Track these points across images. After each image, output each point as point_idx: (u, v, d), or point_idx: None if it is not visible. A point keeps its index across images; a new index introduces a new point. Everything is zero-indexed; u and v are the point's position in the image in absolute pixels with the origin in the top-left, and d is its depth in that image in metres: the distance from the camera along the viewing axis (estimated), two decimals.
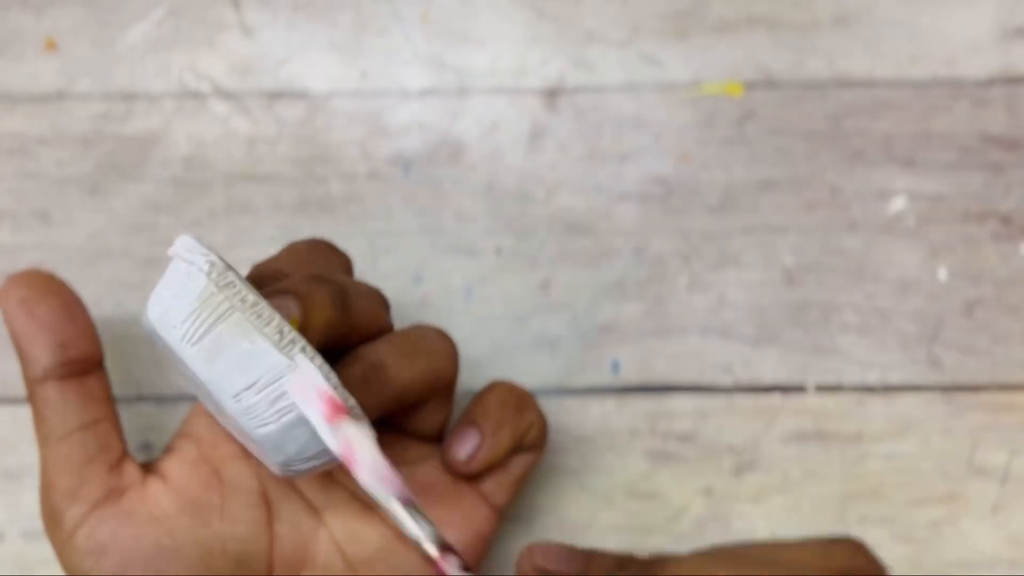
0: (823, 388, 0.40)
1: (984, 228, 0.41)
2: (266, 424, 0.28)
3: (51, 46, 0.42)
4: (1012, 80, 0.41)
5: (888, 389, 0.40)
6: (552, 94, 0.42)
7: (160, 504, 0.32)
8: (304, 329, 0.28)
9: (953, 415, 0.40)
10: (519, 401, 0.34)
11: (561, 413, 0.39)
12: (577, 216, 0.41)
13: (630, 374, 0.40)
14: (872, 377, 0.40)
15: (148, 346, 0.39)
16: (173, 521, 0.32)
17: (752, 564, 0.19)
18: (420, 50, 0.42)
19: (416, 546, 0.27)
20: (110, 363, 0.39)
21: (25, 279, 0.31)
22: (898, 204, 0.41)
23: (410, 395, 0.32)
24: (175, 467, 0.33)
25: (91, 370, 0.32)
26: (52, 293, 0.31)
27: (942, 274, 0.41)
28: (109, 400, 0.32)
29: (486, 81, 0.42)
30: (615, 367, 0.41)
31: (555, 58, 0.42)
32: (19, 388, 0.38)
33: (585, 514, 0.40)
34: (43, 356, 0.31)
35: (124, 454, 0.33)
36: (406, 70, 0.42)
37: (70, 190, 0.41)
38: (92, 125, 0.41)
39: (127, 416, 0.39)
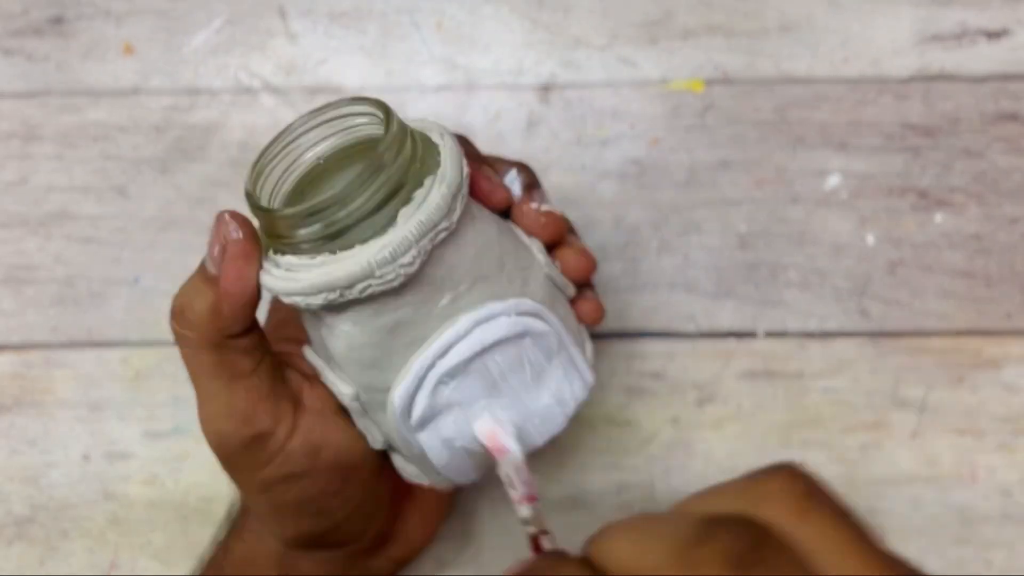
0: (771, 334, 0.42)
1: (905, 201, 0.42)
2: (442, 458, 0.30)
3: (128, 50, 0.44)
4: (928, 78, 0.42)
5: (825, 335, 0.41)
6: (545, 89, 0.43)
7: (322, 398, 0.31)
8: None
9: (879, 356, 0.41)
10: None
11: None
12: (566, 191, 0.42)
13: (610, 322, 0.41)
14: (812, 325, 0.41)
15: None
16: (337, 412, 0.31)
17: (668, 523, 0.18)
18: (435, 53, 0.43)
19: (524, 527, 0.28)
20: None
21: (241, 244, 0.27)
22: (833, 181, 0.42)
23: None
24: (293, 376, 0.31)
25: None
26: (254, 257, 0.27)
27: (870, 239, 0.42)
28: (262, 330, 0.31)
29: (490, 79, 0.43)
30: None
31: (548, 60, 0.43)
32: (103, 334, 0.42)
33: (573, 439, 0.41)
34: (245, 320, 0.28)
35: (280, 362, 0.31)
36: (423, 69, 0.43)
37: (144, 169, 0.43)
38: (163, 115, 0.43)
39: None
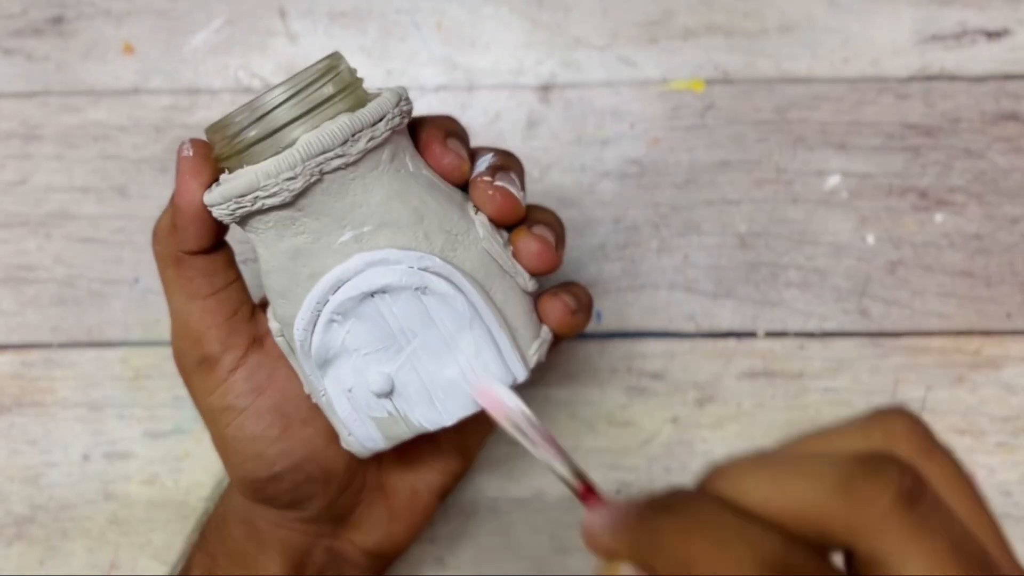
0: (771, 334, 0.42)
1: (905, 201, 0.42)
2: None
3: (128, 50, 0.43)
4: (928, 78, 0.42)
5: (825, 335, 0.42)
6: (545, 89, 0.43)
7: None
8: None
9: (879, 356, 0.41)
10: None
11: (554, 354, 0.36)
12: (566, 191, 0.42)
13: (610, 322, 0.42)
14: (811, 325, 0.42)
15: None
16: None
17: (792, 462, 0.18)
18: (435, 53, 0.43)
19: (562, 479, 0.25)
20: None
21: (188, 160, 0.29)
22: (833, 181, 0.42)
23: None
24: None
25: (224, 240, 0.32)
26: (200, 172, 0.29)
27: (870, 239, 0.42)
28: (235, 265, 0.32)
29: (490, 79, 0.43)
30: (598, 316, 0.42)
31: (548, 60, 0.43)
32: (103, 334, 0.42)
33: (574, 438, 0.41)
34: (196, 235, 0.30)
35: (255, 307, 0.33)
36: (424, 69, 0.43)
37: (144, 169, 0.43)
38: (163, 115, 0.43)
39: None
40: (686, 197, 0.42)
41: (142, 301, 0.43)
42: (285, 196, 0.28)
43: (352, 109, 0.28)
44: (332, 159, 0.28)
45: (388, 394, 0.30)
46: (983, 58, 0.43)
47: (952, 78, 0.43)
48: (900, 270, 0.42)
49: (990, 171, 0.42)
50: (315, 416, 0.32)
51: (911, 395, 0.41)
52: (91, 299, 0.43)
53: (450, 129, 0.31)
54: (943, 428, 0.41)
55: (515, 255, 0.31)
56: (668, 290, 0.42)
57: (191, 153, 0.29)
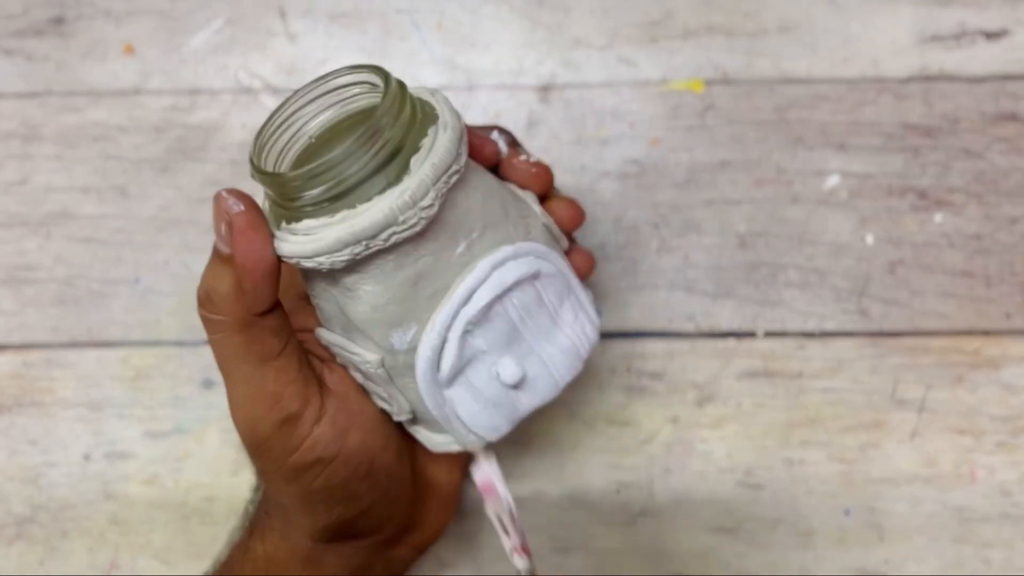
0: (770, 334, 0.41)
1: (904, 201, 0.42)
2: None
3: (129, 50, 0.43)
4: (928, 78, 0.42)
5: (824, 335, 0.41)
6: (545, 89, 0.43)
7: (343, 380, 0.31)
8: None
9: (878, 356, 0.41)
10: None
11: None
12: (566, 191, 0.41)
13: (610, 322, 0.41)
14: (811, 325, 0.41)
15: None
16: (359, 393, 0.31)
17: None
18: (435, 53, 0.43)
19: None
20: (176, 314, 0.42)
21: (244, 215, 0.26)
22: (833, 181, 0.42)
23: None
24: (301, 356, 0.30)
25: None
26: (261, 226, 0.27)
27: (869, 239, 0.42)
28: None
29: (490, 79, 0.43)
30: (598, 315, 0.43)
31: (548, 60, 0.43)
32: (103, 334, 0.42)
33: (573, 438, 0.41)
34: (269, 294, 0.28)
35: (303, 349, 0.30)
36: (424, 69, 0.43)
37: (144, 169, 0.43)
38: (163, 115, 0.43)
39: (190, 357, 0.41)
40: (686, 197, 0.42)
41: (142, 301, 0.42)
42: (422, 224, 0.26)
43: (431, 120, 0.27)
44: (453, 174, 0.27)
45: (520, 382, 0.30)
46: (982, 58, 0.42)
47: (951, 78, 0.42)
48: (900, 270, 0.42)
49: (989, 171, 0.42)
50: (390, 438, 0.31)
51: (911, 395, 0.41)
52: (91, 299, 0.42)
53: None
54: (943, 427, 0.41)
55: (555, 220, 0.33)
56: (668, 290, 0.42)
57: (243, 208, 0.26)
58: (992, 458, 0.41)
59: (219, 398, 0.42)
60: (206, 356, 0.42)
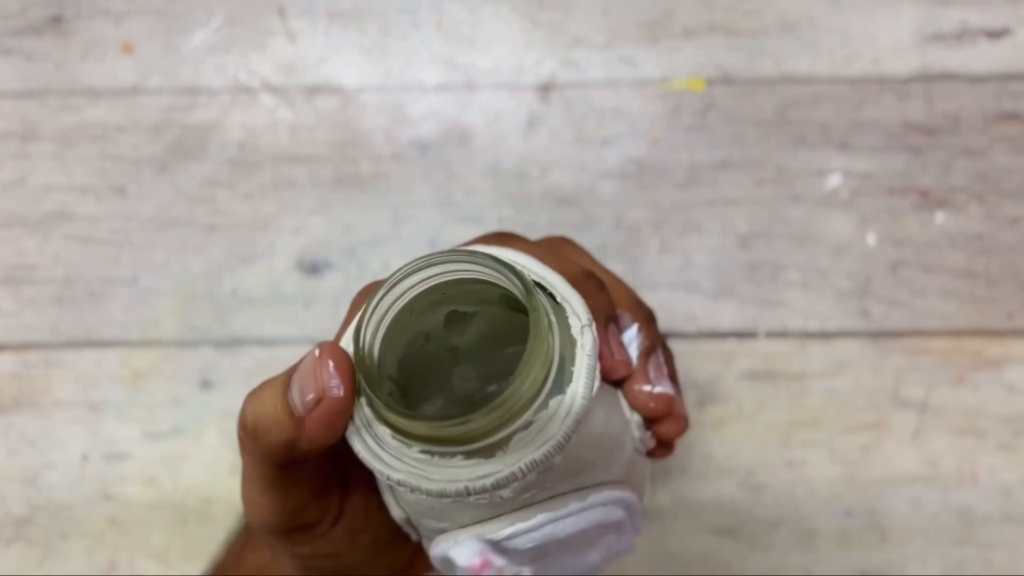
0: (772, 334, 0.41)
1: (906, 200, 0.41)
2: None
3: (127, 49, 0.43)
4: (929, 77, 0.42)
5: (826, 335, 0.41)
6: (545, 89, 0.42)
7: (369, 476, 0.28)
8: None
9: (880, 357, 0.41)
10: None
11: None
12: (567, 191, 0.42)
13: None
14: (812, 325, 0.41)
15: (207, 299, 0.43)
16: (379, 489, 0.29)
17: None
18: (435, 52, 0.43)
19: None
20: (175, 314, 0.42)
21: (340, 402, 0.23)
22: (834, 181, 0.42)
23: None
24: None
25: None
26: (348, 414, 0.24)
27: (871, 239, 0.41)
28: None
29: (490, 78, 0.42)
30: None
31: (548, 59, 0.43)
32: (102, 334, 0.41)
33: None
34: (321, 453, 0.24)
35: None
36: (423, 69, 0.43)
37: (143, 169, 0.42)
38: (161, 115, 0.42)
39: (189, 358, 0.41)
40: (687, 197, 0.42)
41: (141, 301, 0.42)
42: (491, 500, 0.23)
43: (560, 382, 0.23)
44: (551, 463, 0.23)
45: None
46: (984, 58, 0.42)
47: (953, 78, 0.42)
48: (901, 270, 0.41)
49: (991, 171, 0.42)
50: (397, 533, 0.30)
51: (912, 395, 0.41)
52: (90, 299, 0.42)
53: (605, 307, 0.26)
54: (944, 428, 0.41)
55: (655, 434, 0.28)
56: (669, 290, 0.42)
57: (342, 395, 0.23)
58: (994, 459, 0.40)
59: (218, 398, 0.41)
60: (205, 356, 0.42)
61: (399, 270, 0.23)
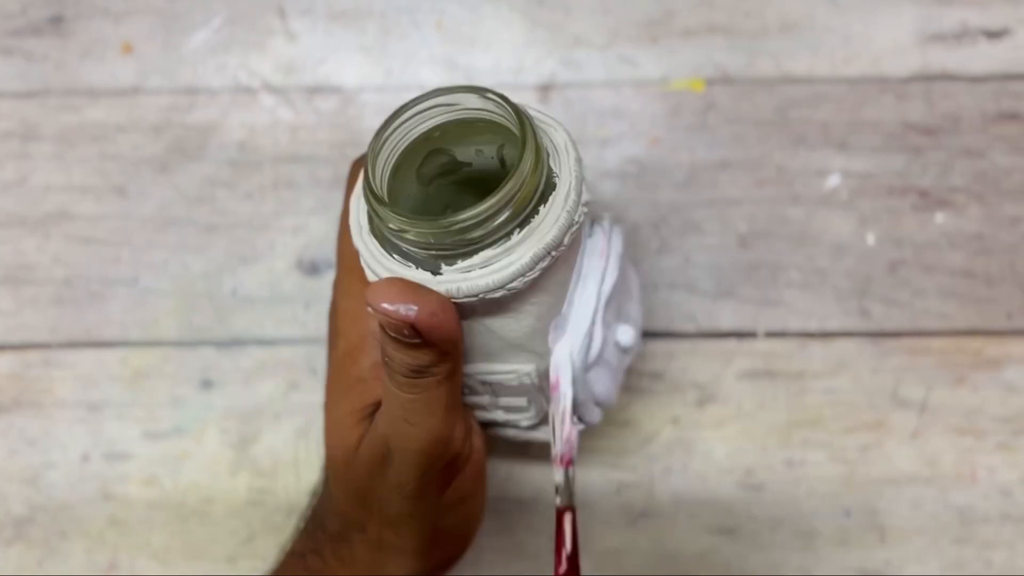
0: (771, 334, 0.41)
1: (905, 200, 0.41)
2: None
3: (127, 49, 0.43)
4: (929, 77, 0.42)
5: (825, 335, 0.41)
6: (545, 89, 0.42)
7: (474, 416, 0.32)
8: None
9: (879, 357, 0.41)
10: None
11: None
12: None
13: None
14: (812, 325, 0.41)
15: (207, 299, 0.43)
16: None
17: None
18: (435, 52, 0.43)
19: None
20: (175, 314, 0.42)
21: (435, 320, 0.26)
22: (834, 181, 0.42)
23: None
24: None
25: None
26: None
27: (870, 239, 0.41)
28: None
29: (490, 78, 0.42)
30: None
31: (548, 59, 0.42)
32: (102, 334, 0.41)
33: None
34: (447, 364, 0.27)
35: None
36: (423, 69, 0.43)
37: (143, 169, 0.42)
38: (161, 115, 0.42)
39: (190, 358, 0.41)
40: (686, 197, 0.42)
41: (141, 301, 0.42)
42: (583, 215, 0.28)
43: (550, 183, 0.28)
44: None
45: (632, 343, 0.32)
46: (984, 58, 0.42)
47: (953, 78, 0.42)
48: (901, 270, 0.41)
49: (991, 171, 0.42)
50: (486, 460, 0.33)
51: (912, 395, 0.41)
52: (90, 299, 0.42)
53: None
54: (944, 428, 0.41)
55: None
56: (668, 290, 0.42)
57: (417, 308, 0.26)
58: (993, 458, 0.40)
59: (218, 398, 0.41)
60: (205, 356, 0.42)
61: (395, 112, 0.27)
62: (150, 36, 0.43)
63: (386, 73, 0.43)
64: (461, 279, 0.26)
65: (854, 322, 0.41)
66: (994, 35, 0.42)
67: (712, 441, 0.41)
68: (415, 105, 0.28)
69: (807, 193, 0.42)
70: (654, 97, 0.42)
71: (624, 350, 0.32)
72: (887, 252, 0.41)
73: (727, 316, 0.41)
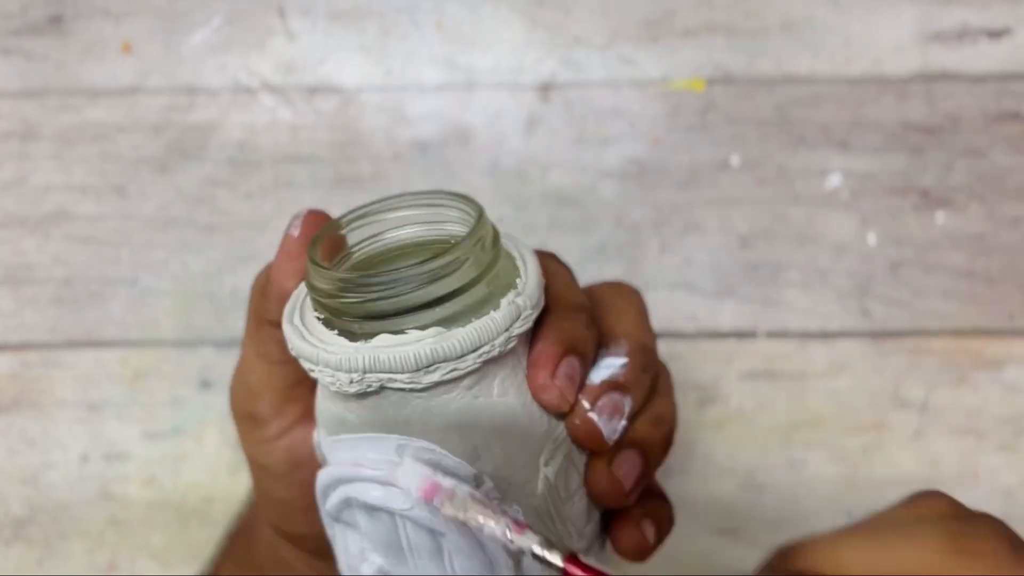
0: (772, 334, 0.41)
1: (906, 200, 0.41)
2: None
3: (127, 49, 0.43)
4: (929, 77, 0.42)
5: (826, 335, 0.41)
6: (545, 89, 0.42)
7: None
8: None
9: (880, 357, 0.41)
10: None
11: None
12: (566, 191, 0.42)
13: None
14: (813, 325, 0.41)
15: (207, 299, 0.43)
16: None
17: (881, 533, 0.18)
18: (435, 52, 0.43)
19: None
20: (175, 314, 0.42)
21: (290, 241, 0.26)
22: (834, 181, 0.42)
23: None
24: None
25: None
26: (296, 258, 0.27)
27: (871, 239, 0.41)
28: None
29: (490, 78, 0.42)
30: None
31: (548, 59, 0.42)
32: (102, 334, 0.42)
33: None
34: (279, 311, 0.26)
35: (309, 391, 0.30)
36: (423, 69, 0.42)
37: (143, 169, 0.42)
38: (161, 115, 0.42)
39: (189, 358, 0.41)
40: (687, 197, 0.42)
41: (141, 301, 0.42)
42: (503, 349, 0.23)
43: (495, 294, 0.24)
44: (536, 308, 0.24)
45: None
46: (985, 57, 0.42)
47: (954, 77, 0.42)
48: (902, 270, 0.41)
49: (992, 171, 0.42)
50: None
51: (913, 395, 0.41)
52: (89, 299, 0.42)
53: (572, 344, 0.25)
54: (945, 428, 0.41)
55: (586, 483, 0.26)
56: (669, 290, 0.41)
57: (295, 234, 0.26)
58: (994, 459, 0.40)
59: (218, 399, 0.41)
60: (204, 356, 0.42)
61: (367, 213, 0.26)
62: (150, 36, 0.43)
63: (386, 73, 0.43)
64: (297, 336, 0.24)
65: (855, 322, 0.41)
66: (995, 35, 0.42)
67: (712, 442, 0.41)
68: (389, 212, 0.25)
69: (808, 193, 0.42)
70: (654, 97, 0.42)
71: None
72: (888, 252, 0.41)
73: (727, 316, 0.41)
